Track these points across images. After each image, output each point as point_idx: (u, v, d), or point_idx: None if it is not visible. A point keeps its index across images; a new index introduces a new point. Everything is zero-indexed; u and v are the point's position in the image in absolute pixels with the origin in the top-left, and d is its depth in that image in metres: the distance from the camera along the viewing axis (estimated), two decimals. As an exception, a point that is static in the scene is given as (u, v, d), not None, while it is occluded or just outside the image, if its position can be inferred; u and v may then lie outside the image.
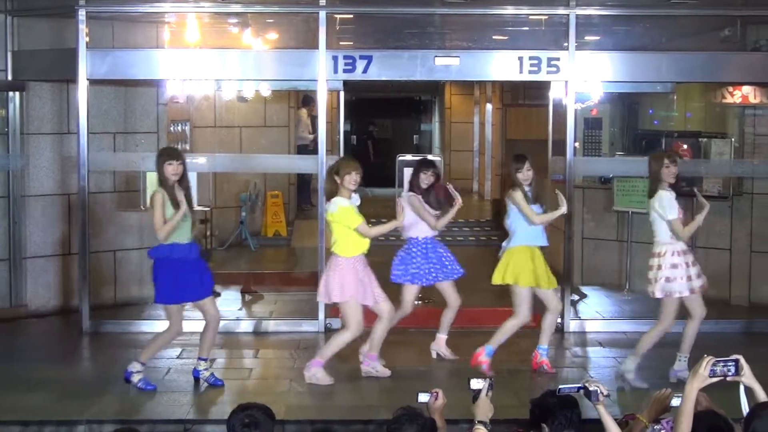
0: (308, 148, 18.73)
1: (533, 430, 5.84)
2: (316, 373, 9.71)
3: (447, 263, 10.58)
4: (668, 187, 9.54)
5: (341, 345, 9.81)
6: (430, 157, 11.86)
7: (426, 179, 10.46)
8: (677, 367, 9.74)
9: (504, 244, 10.17)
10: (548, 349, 10.21)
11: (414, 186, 10.52)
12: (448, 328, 10.73)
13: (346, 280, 9.60)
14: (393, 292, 10.35)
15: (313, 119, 17.26)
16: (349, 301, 9.63)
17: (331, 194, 9.65)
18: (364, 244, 9.72)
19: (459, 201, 10.24)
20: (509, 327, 10.08)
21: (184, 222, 9.26)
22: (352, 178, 9.54)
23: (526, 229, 9.93)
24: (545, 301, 10.11)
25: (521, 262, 9.91)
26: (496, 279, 10.03)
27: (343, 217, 9.53)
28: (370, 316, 9.87)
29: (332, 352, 9.82)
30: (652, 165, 9.67)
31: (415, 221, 10.47)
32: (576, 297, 13.16)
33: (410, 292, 10.59)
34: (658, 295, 9.53)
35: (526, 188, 9.92)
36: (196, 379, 9.65)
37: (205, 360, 9.69)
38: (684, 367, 9.63)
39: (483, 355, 9.99)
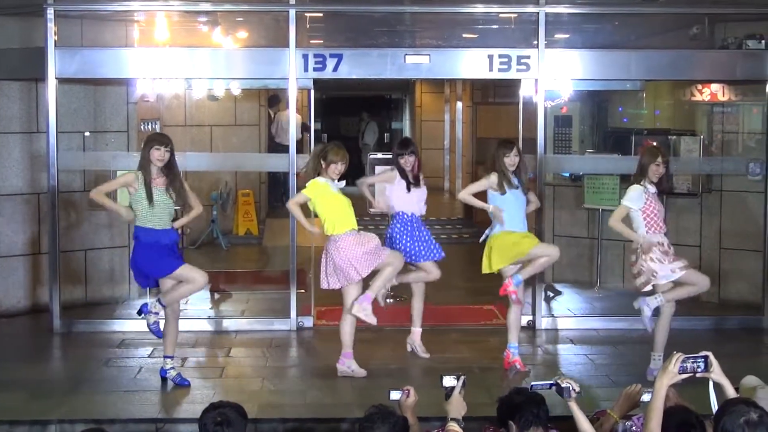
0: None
1: (503, 428, 5.87)
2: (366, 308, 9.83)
3: (431, 243, 10.59)
4: (649, 183, 9.64)
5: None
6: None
7: (404, 162, 10.54)
8: (653, 366, 9.83)
9: (487, 231, 10.20)
10: (518, 347, 10.22)
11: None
12: (421, 319, 10.73)
13: (355, 255, 9.68)
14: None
15: (304, 126, 17.66)
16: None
17: (312, 176, 9.76)
18: (351, 219, 9.82)
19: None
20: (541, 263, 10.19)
21: (161, 208, 9.31)
22: (336, 168, 9.66)
23: (505, 215, 9.98)
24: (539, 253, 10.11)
25: (504, 245, 9.98)
26: (485, 268, 10.12)
27: (310, 188, 9.68)
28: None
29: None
30: (643, 157, 9.82)
31: (401, 198, 10.50)
32: (551, 294, 13.21)
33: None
34: (649, 287, 9.72)
35: (512, 175, 9.96)
36: (163, 379, 9.64)
37: (171, 358, 9.67)
38: (659, 365, 9.65)
39: (511, 285, 10.03)
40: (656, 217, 9.67)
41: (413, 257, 10.45)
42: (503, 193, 9.96)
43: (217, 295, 13.60)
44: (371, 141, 27.20)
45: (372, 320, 9.80)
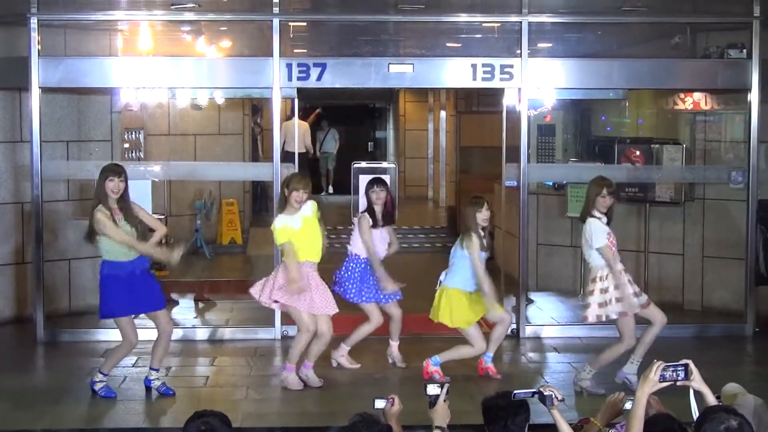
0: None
1: (486, 432, 5.88)
2: (288, 377, 9.88)
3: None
4: (599, 214, 9.61)
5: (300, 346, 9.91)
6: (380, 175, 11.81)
7: (376, 197, 10.53)
8: (626, 370, 9.79)
9: (441, 277, 10.22)
10: (491, 356, 10.27)
11: (368, 203, 10.59)
12: (399, 334, 10.78)
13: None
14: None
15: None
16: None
17: (281, 206, 9.82)
18: (311, 252, 9.83)
19: None
20: (463, 352, 10.19)
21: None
22: (298, 195, 9.67)
23: (466, 274, 9.97)
24: (496, 319, 10.18)
25: (462, 306, 10.01)
26: (444, 320, 10.10)
27: (278, 236, 9.77)
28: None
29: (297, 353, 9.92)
30: (590, 188, 9.76)
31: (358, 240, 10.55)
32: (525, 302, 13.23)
33: (369, 308, 10.67)
34: (591, 320, 9.66)
35: (482, 232, 9.92)
36: (148, 388, 9.63)
37: (156, 370, 9.69)
38: (633, 371, 9.69)
39: (431, 366, 10.10)
40: (614, 246, 9.63)
41: (367, 298, 10.55)
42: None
43: (201, 305, 13.60)
44: (332, 149, 27.13)
45: (295, 387, 9.88)
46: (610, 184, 9.72)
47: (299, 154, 20.07)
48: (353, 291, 10.49)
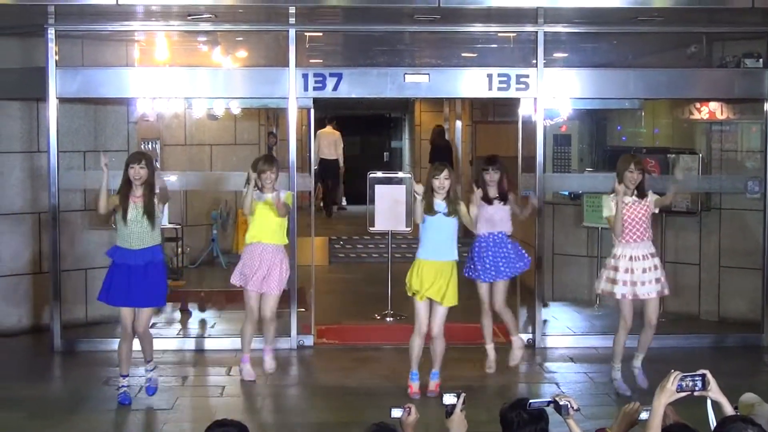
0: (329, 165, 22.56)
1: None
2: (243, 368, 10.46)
3: (502, 263, 10.64)
4: (626, 191, 9.84)
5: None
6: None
7: (489, 178, 10.61)
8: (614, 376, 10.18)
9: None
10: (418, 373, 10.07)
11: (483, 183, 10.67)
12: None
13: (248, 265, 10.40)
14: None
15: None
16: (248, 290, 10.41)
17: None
18: (264, 232, 10.31)
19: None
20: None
21: (133, 228, 9.40)
22: (265, 176, 10.20)
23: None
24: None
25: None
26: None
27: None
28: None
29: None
30: (618, 165, 10.04)
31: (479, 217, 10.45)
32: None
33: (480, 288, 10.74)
34: (598, 291, 10.25)
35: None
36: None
37: (148, 361, 9.93)
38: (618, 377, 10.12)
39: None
40: (632, 226, 9.83)
41: (485, 276, 10.62)
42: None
43: (217, 314, 13.61)
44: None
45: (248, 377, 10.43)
46: (639, 161, 10.08)
47: (332, 160, 22.48)
48: (479, 269, 10.58)
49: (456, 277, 9.86)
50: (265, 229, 10.31)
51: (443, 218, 9.74)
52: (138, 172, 9.44)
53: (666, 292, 10.09)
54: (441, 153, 21.41)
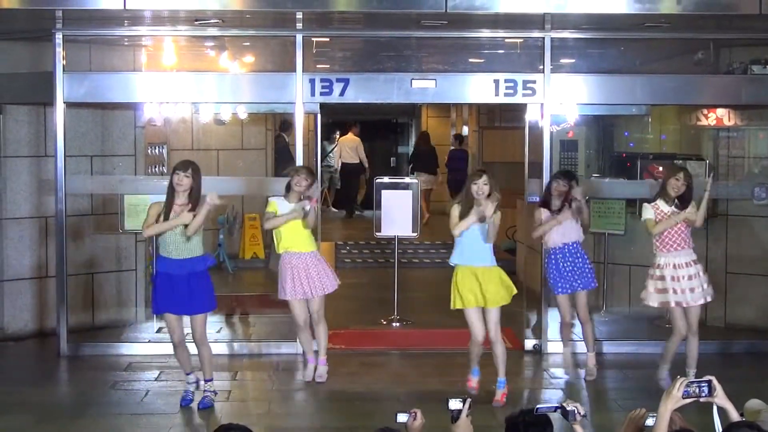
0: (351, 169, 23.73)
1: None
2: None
3: (578, 274, 10.70)
4: (664, 201, 9.96)
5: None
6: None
7: (557, 188, 10.65)
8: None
9: None
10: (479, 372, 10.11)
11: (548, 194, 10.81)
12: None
13: (283, 277, 10.43)
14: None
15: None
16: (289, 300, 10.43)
17: (286, 192, 10.46)
18: (293, 242, 10.36)
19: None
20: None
21: (169, 237, 9.36)
22: (298, 180, 10.29)
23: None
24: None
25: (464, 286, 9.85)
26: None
27: (271, 205, 10.44)
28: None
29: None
30: (665, 174, 10.36)
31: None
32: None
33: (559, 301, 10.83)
34: (651, 303, 10.13)
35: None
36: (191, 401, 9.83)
37: (209, 381, 9.81)
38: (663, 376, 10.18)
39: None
40: (673, 234, 9.93)
41: (563, 288, 10.72)
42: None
43: (224, 319, 13.61)
44: (334, 163, 27.17)
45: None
46: (688, 173, 10.17)
47: (354, 164, 23.62)
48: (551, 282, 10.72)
49: (503, 276, 9.78)
50: (294, 238, 10.38)
51: (477, 224, 9.64)
52: (181, 179, 9.32)
53: (709, 298, 10.25)
54: (424, 157, 21.85)
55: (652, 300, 10.05)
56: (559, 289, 10.63)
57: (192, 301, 9.48)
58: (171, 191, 9.39)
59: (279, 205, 10.36)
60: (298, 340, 10.91)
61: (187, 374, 9.81)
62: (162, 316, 9.86)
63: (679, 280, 9.92)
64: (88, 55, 12.52)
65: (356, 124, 24.26)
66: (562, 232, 10.61)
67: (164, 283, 9.43)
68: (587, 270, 10.70)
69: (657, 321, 12.44)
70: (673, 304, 9.96)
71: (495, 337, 9.77)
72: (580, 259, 10.68)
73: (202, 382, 9.76)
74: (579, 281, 10.63)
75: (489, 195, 9.53)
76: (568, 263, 10.61)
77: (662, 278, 9.94)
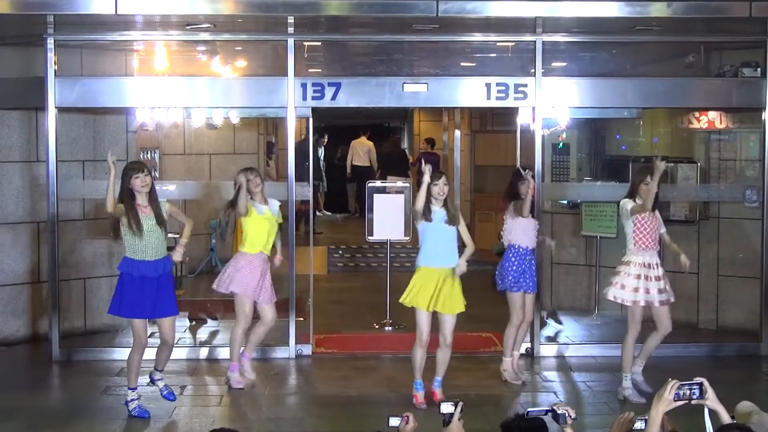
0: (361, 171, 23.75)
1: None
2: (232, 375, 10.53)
3: (529, 276, 10.78)
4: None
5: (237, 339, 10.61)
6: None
7: (522, 188, 10.62)
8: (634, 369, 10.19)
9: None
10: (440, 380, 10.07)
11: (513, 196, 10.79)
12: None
13: (241, 275, 10.43)
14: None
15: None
16: (239, 295, 10.43)
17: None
18: (261, 244, 10.54)
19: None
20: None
21: (150, 239, 9.30)
22: (254, 181, 10.55)
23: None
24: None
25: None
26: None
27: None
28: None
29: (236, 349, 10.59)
30: (633, 176, 10.31)
31: (512, 228, 10.68)
32: (550, 320, 13.22)
33: (513, 299, 10.76)
34: (609, 297, 10.21)
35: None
36: (152, 382, 9.87)
37: (160, 371, 9.84)
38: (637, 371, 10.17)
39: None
40: (649, 234, 10.01)
41: (525, 287, 10.73)
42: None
43: (215, 323, 13.60)
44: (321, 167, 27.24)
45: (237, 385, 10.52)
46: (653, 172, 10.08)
47: (364, 167, 23.99)
48: (510, 280, 10.64)
49: (459, 282, 9.80)
50: (263, 239, 10.53)
51: (443, 225, 9.67)
52: (144, 180, 9.29)
53: (672, 300, 10.25)
54: (390, 160, 22.33)
55: (625, 296, 10.04)
56: (516, 287, 10.64)
57: (163, 303, 9.45)
58: (129, 194, 9.30)
59: (255, 206, 10.55)
60: (234, 338, 10.64)
61: (132, 389, 9.61)
62: (129, 321, 9.65)
63: (650, 280, 9.99)
64: (80, 60, 12.51)
65: (367, 131, 24.93)
66: (529, 235, 10.69)
67: (133, 286, 9.32)
68: (534, 274, 10.84)
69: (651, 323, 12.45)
70: (643, 303, 10.00)
71: (449, 344, 9.86)
72: (533, 264, 10.83)
73: (157, 378, 9.86)
74: (531, 283, 10.73)
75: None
76: (526, 264, 10.65)
77: (638, 276, 9.98)
